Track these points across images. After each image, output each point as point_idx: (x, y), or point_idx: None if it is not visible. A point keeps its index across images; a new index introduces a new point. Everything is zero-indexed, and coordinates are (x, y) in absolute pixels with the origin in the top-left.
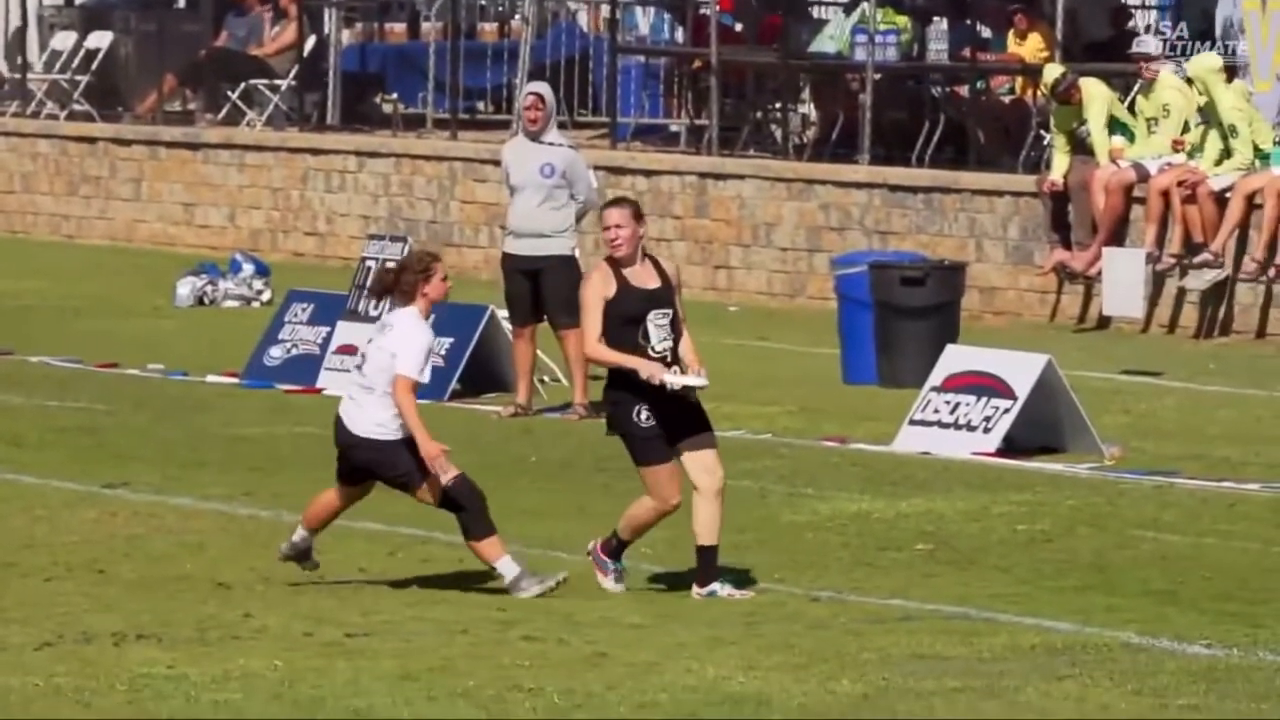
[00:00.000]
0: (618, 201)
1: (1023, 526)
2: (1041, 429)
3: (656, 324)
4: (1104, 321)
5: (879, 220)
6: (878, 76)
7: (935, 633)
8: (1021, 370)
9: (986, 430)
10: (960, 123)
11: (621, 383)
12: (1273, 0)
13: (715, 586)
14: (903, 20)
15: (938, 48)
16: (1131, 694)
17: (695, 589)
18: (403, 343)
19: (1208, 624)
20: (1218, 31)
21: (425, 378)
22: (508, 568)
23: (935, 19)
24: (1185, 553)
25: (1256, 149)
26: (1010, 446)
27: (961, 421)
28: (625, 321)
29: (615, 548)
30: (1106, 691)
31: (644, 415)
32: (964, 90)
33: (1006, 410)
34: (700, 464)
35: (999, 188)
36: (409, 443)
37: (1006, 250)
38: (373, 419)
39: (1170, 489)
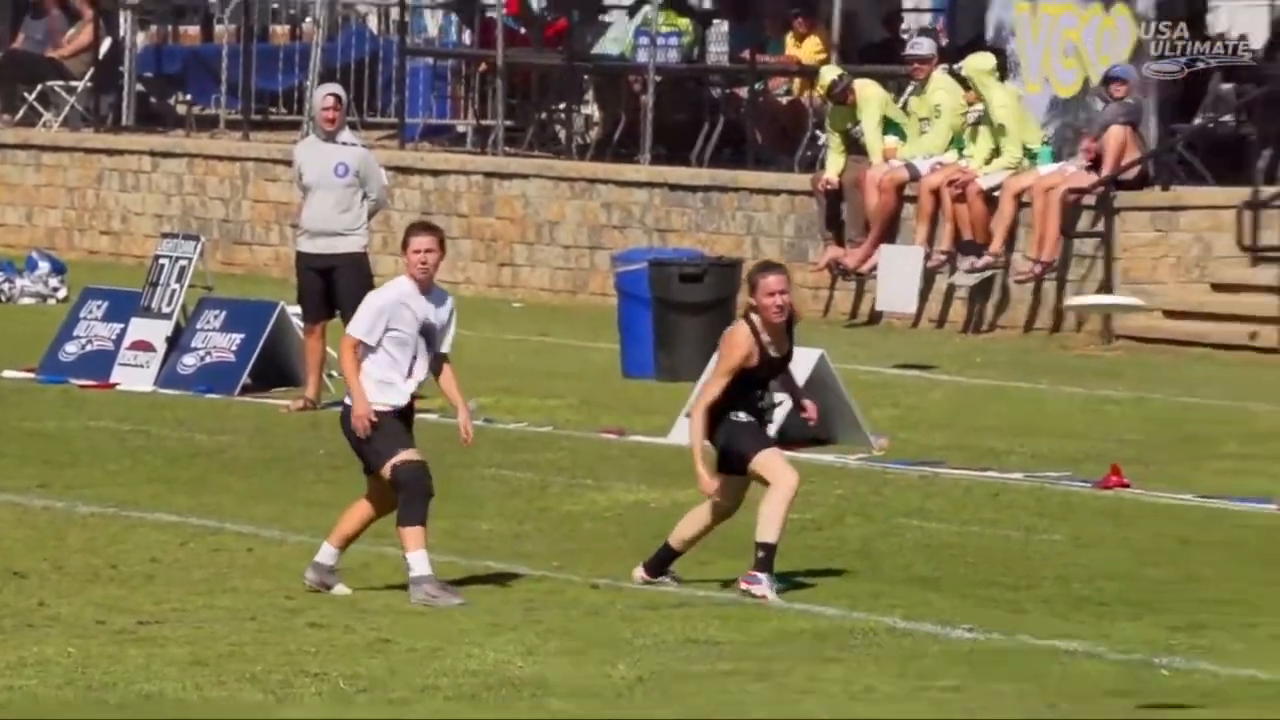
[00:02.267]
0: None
1: (793, 516)
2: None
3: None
4: (875, 316)
5: (659, 218)
6: (659, 78)
7: (709, 618)
8: (795, 365)
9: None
10: (739, 123)
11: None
12: (1043, 4)
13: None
14: (684, 23)
15: (718, 49)
16: (896, 676)
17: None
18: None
19: (970, 609)
20: (989, 34)
21: (371, 339)
22: (419, 564)
23: (716, 21)
24: (949, 540)
25: (1025, 149)
26: (783, 438)
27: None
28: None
29: (761, 561)
30: (872, 674)
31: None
32: (743, 91)
33: (779, 404)
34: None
35: (775, 186)
36: (384, 420)
37: (782, 247)
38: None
39: (936, 479)
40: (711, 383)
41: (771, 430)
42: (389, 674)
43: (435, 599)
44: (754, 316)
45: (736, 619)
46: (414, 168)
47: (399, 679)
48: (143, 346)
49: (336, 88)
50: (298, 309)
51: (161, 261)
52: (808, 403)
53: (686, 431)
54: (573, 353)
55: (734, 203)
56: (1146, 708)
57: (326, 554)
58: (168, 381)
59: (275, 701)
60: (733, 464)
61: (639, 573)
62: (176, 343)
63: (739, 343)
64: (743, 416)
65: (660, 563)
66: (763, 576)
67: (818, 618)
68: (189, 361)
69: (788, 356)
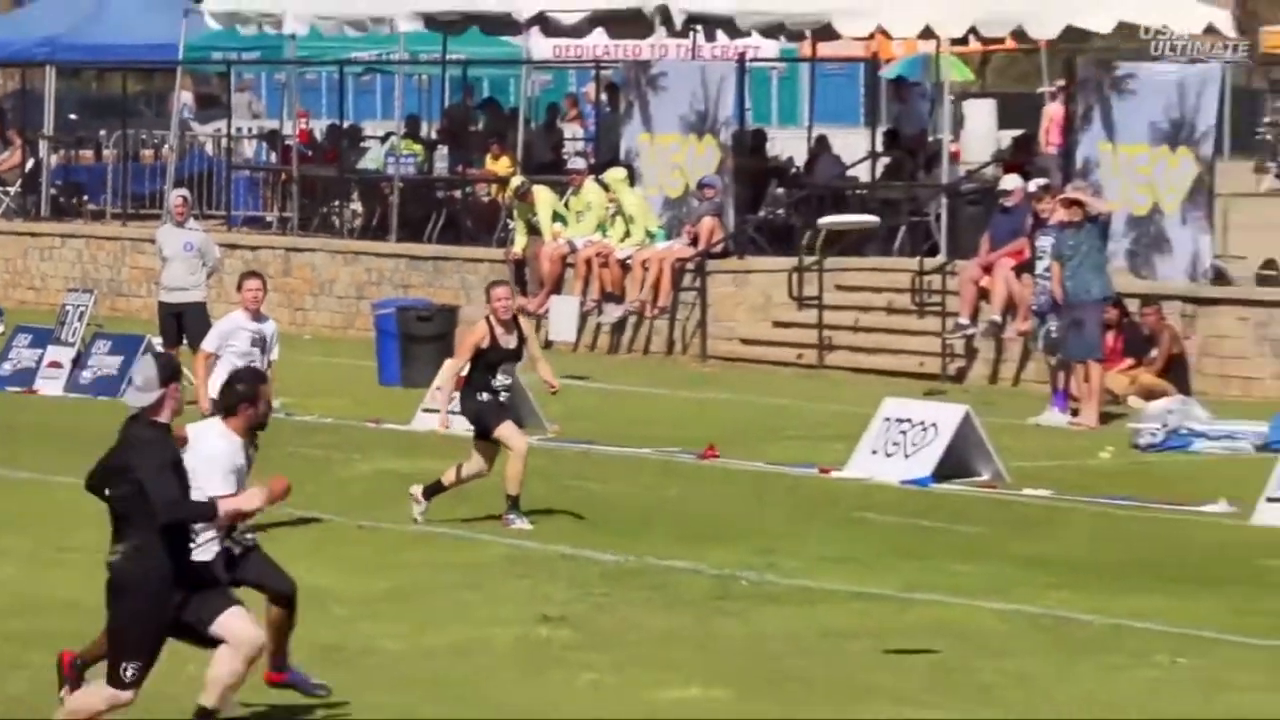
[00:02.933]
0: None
1: (486, 481)
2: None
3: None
4: (548, 344)
5: (403, 278)
6: (401, 184)
7: (447, 548)
8: None
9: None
10: (455, 214)
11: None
12: (658, 136)
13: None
14: (418, 147)
15: (441, 165)
16: (565, 588)
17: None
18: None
19: (616, 540)
20: (622, 155)
21: (217, 350)
22: None
23: (439, 146)
24: (600, 495)
25: (648, 231)
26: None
27: (453, 409)
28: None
29: (512, 503)
30: (548, 587)
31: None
32: (458, 194)
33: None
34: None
35: (480, 257)
36: None
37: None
38: None
39: (590, 454)
40: (454, 360)
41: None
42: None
43: None
44: (490, 316)
45: (464, 547)
46: (237, 244)
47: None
48: (55, 365)
49: (184, 191)
50: (159, 339)
51: (68, 308)
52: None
53: (435, 405)
54: (346, 369)
55: (453, 268)
56: (719, 600)
57: None
58: (72, 389)
59: None
60: (482, 433)
61: (416, 490)
62: (78, 362)
63: (478, 329)
64: (485, 397)
65: (431, 491)
66: (513, 515)
67: (515, 548)
68: (86, 375)
69: (518, 349)
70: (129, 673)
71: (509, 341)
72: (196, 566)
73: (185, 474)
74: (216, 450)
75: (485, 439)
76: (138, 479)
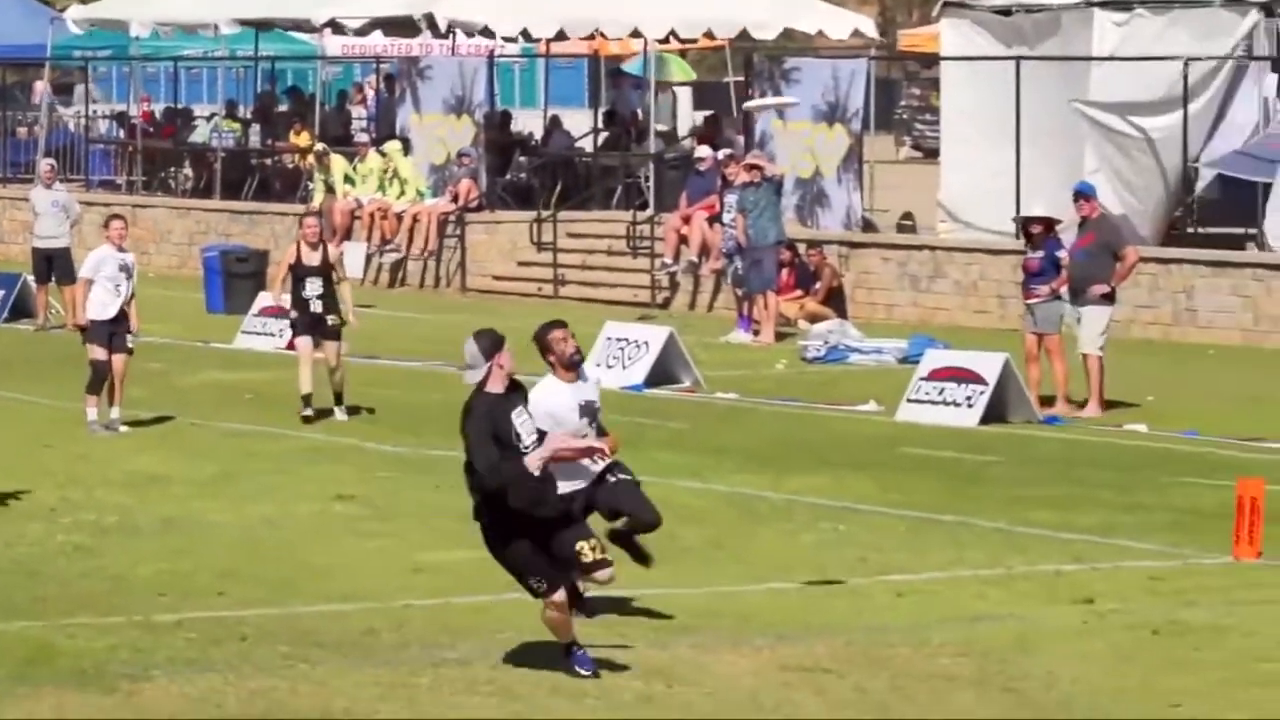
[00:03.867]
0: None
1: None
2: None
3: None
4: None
5: (225, 229)
6: (223, 154)
7: (259, 441)
8: None
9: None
10: (267, 178)
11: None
12: (426, 115)
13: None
14: (237, 125)
15: (254, 139)
16: (355, 472)
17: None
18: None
19: (396, 434)
20: (398, 130)
21: (93, 276)
22: (90, 415)
23: (253, 125)
24: (384, 399)
25: (419, 191)
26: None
27: (273, 330)
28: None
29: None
30: (343, 472)
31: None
32: (268, 161)
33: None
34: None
35: (286, 211)
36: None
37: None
38: None
39: (375, 366)
40: (275, 269)
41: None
42: None
43: (94, 432)
44: (300, 240)
45: (277, 439)
46: (94, 202)
47: None
48: None
49: (52, 160)
50: (33, 277)
51: None
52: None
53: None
54: (180, 301)
55: (264, 220)
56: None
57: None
58: None
59: None
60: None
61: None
62: None
63: (289, 250)
64: (295, 314)
65: (306, 401)
66: (339, 408)
67: (313, 440)
68: None
69: (320, 265)
70: (537, 585)
71: (312, 259)
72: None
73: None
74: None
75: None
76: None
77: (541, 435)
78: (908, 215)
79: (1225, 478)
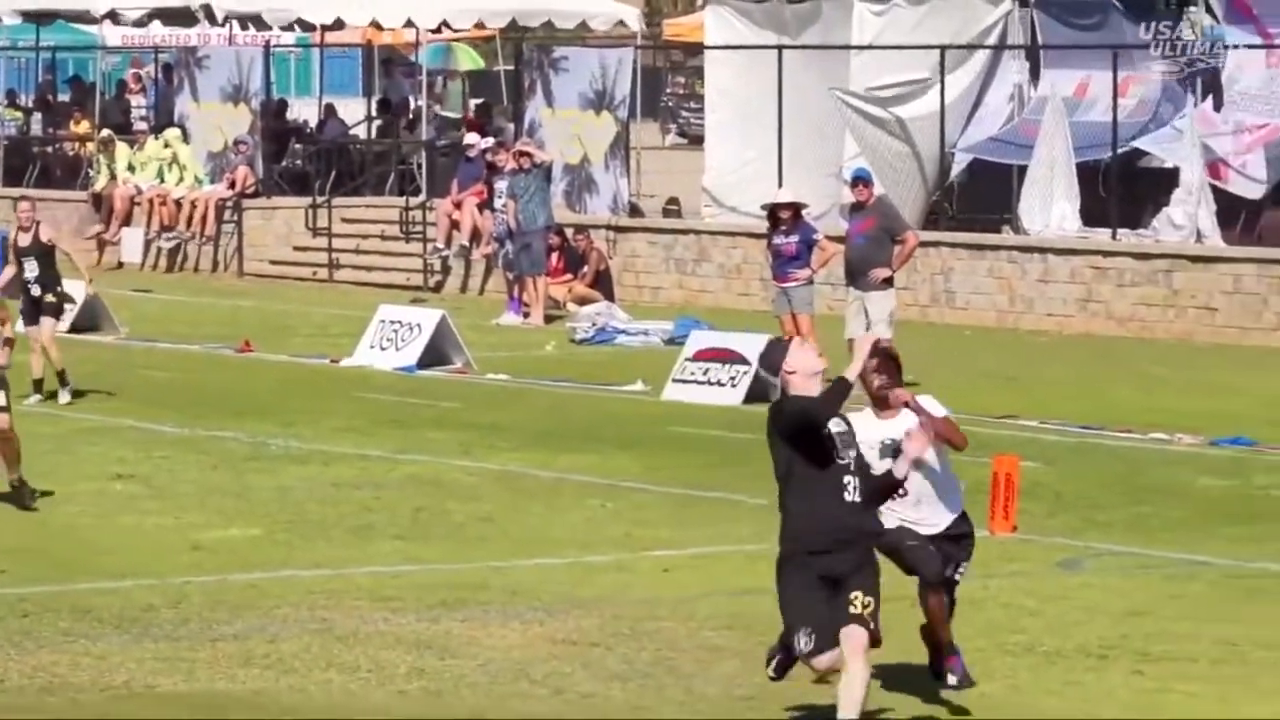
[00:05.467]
0: None
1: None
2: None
3: None
4: (120, 265)
5: (7, 214)
6: (5, 142)
7: (39, 422)
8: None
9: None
10: (47, 165)
11: None
12: (204, 104)
13: None
14: (18, 114)
15: (36, 127)
16: (134, 452)
17: None
18: None
19: (173, 415)
20: (176, 118)
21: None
22: None
23: (35, 113)
24: (161, 381)
25: (196, 178)
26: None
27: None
28: None
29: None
30: (122, 451)
31: None
32: (50, 149)
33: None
34: None
35: (67, 198)
36: None
37: (72, 227)
38: None
39: (153, 349)
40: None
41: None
42: None
43: None
44: (16, 224)
45: (56, 421)
46: None
47: None
48: None
49: None
50: None
51: None
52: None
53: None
54: None
55: (47, 208)
56: (254, 460)
57: None
58: None
59: None
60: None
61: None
62: None
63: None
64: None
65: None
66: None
67: (92, 421)
68: None
69: (31, 245)
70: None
71: (24, 241)
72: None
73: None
74: None
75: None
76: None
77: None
78: (673, 200)
79: (981, 455)
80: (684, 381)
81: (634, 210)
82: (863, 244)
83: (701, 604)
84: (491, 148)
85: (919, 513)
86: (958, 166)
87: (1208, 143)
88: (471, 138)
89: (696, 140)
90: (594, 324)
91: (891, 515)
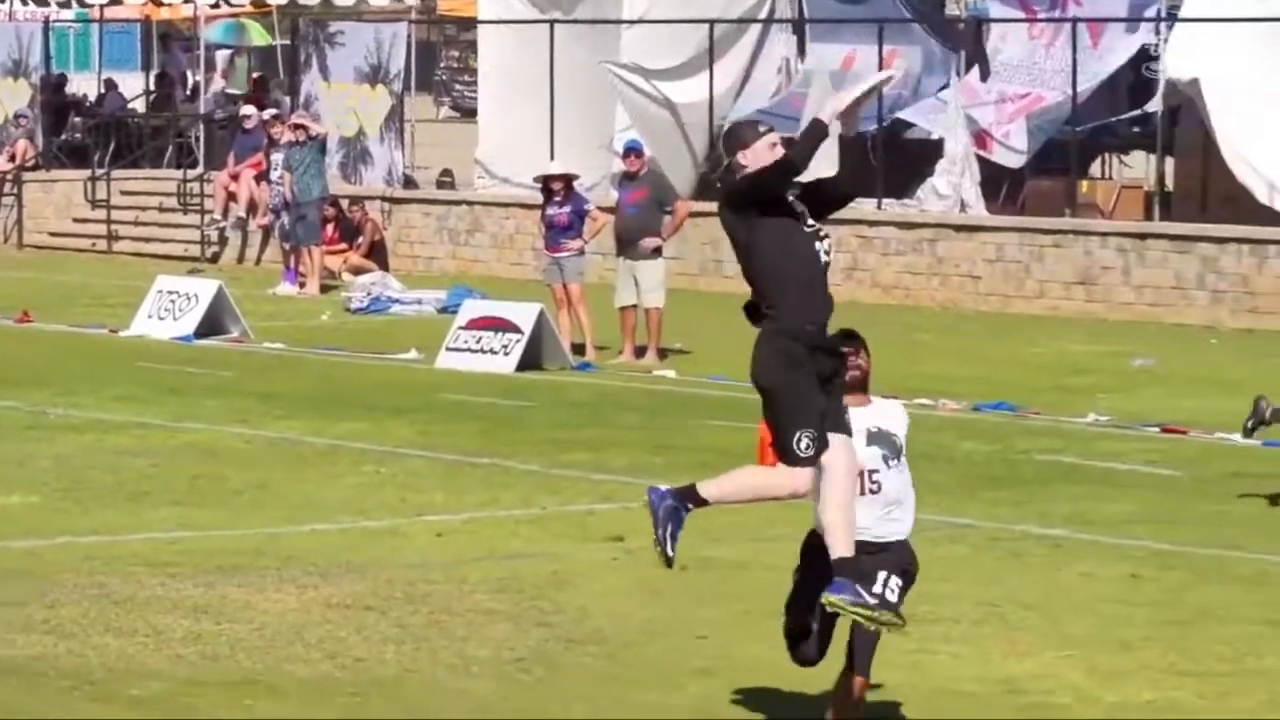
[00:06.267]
0: None
1: None
2: None
3: None
4: None
5: None
6: None
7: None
8: None
9: None
10: None
11: None
12: None
13: None
14: None
15: None
16: None
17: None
18: None
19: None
20: None
21: None
22: None
23: None
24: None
25: None
26: None
27: None
28: None
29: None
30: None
31: None
32: None
33: None
34: None
35: None
36: None
37: None
38: None
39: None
40: None
41: None
42: None
43: None
44: None
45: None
46: None
47: None
48: None
49: None
50: None
51: None
52: None
53: None
54: None
55: None
56: (33, 429)
57: None
58: None
59: None
60: None
61: None
62: None
63: None
64: None
65: None
66: None
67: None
68: None
69: None
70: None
71: None
72: None
73: None
74: None
75: None
76: None
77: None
78: (446, 172)
79: (749, 420)
80: (457, 350)
81: (408, 182)
82: (634, 214)
83: (474, 568)
84: (268, 120)
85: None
86: None
87: (971, 114)
88: (248, 110)
89: (470, 113)
90: (369, 293)
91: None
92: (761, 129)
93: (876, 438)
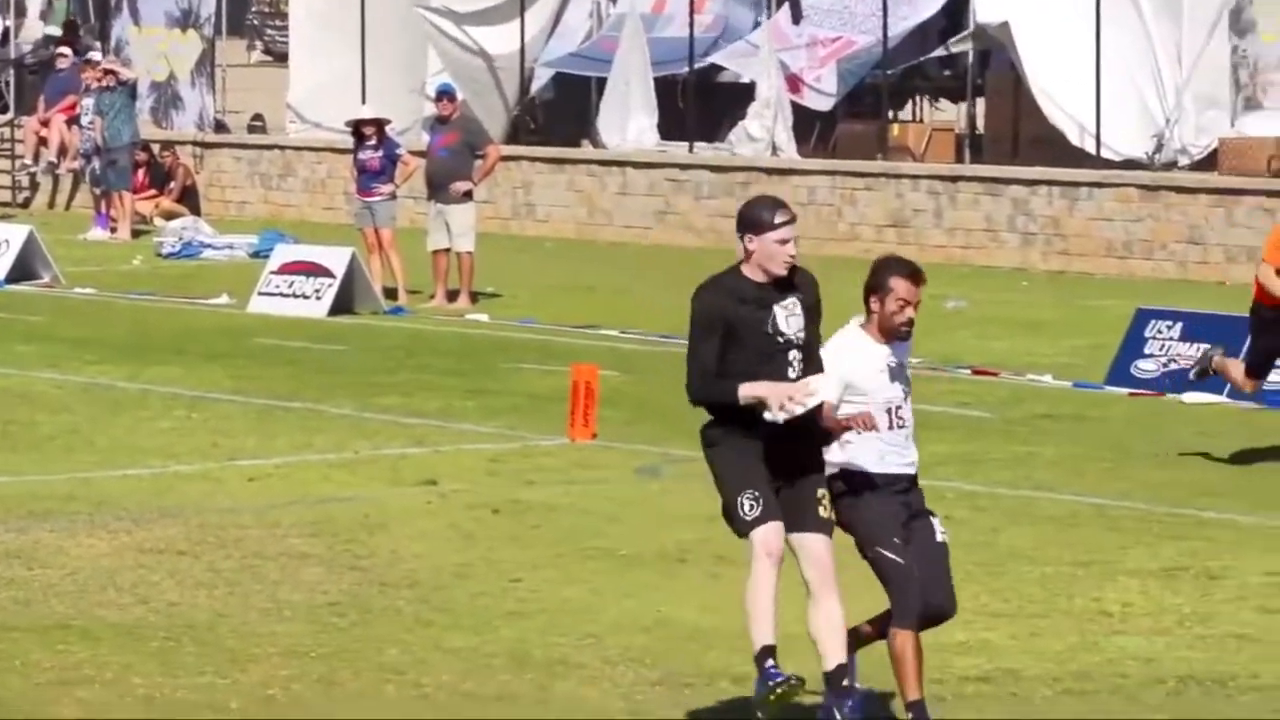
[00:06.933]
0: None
1: None
2: None
3: None
4: None
5: None
6: None
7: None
8: None
9: None
10: None
11: None
12: None
13: None
14: None
15: None
16: None
17: None
18: None
19: None
20: None
21: None
22: None
23: None
24: None
25: None
26: None
27: None
28: None
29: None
30: None
31: None
32: None
33: None
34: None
35: None
36: None
37: None
38: None
39: None
40: None
41: None
42: None
43: None
44: None
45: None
46: None
47: None
48: None
49: None
50: None
51: None
52: None
53: None
54: None
55: None
56: None
57: None
58: None
59: None
60: None
61: None
62: None
63: None
64: None
65: None
66: None
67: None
68: None
69: None
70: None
71: None
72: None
73: None
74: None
75: None
76: None
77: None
78: (258, 117)
79: (561, 364)
80: (269, 294)
81: (220, 126)
82: (445, 157)
83: (286, 512)
84: (79, 64)
85: (909, 452)
86: (539, 82)
87: (782, 58)
88: (61, 54)
89: (281, 58)
90: (180, 238)
91: (879, 450)
92: (779, 219)
93: (896, 373)
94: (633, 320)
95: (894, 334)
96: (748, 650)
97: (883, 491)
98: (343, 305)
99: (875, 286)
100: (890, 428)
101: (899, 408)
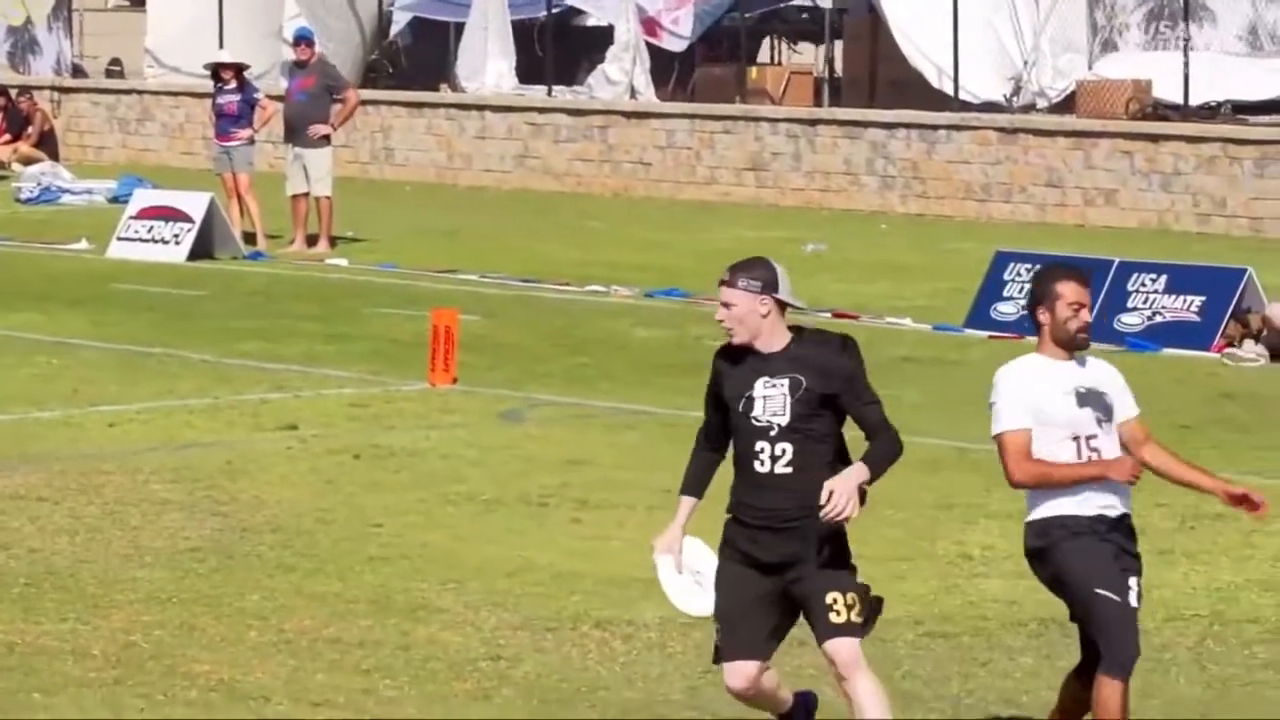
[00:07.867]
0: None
1: None
2: None
3: None
4: None
5: None
6: None
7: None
8: None
9: None
10: None
11: None
12: None
13: None
14: None
15: None
16: None
17: None
18: None
19: None
20: None
21: None
22: None
23: None
24: None
25: None
26: None
27: None
28: None
29: None
30: None
31: None
32: None
33: None
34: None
35: None
36: None
37: None
38: None
39: None
40: None
41: None
42: None
43: None
44: None
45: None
46: None
47: None
48: None
49: None
50: None
51: None
52: None
53: None
54: None
55: None
56: None
57: None
58: None
59: None
60: None
61: None
62: None
63: None
64: None
65: None
66: None
67: None
68: None
69: None
70: None
71: None
72: None
73: None
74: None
75: None
76: None
77: None
78: (116, 61)
79: (421, 308)
80: (128, 239)
81: (77, 71)
82: (303, 101)
83: (147, 458)
84: None
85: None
86: (397, 25)
87: (639, 1)
88: None
89: (139, 2)
90: (39, 184)
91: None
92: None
93: (1087, 398)
94: (493, 264)
95: (1072, 344)
96: (610, 594)
97: (1089, 537)
98: (202, 250)
99: (1041, 296)
100: (1079, 456)
101: (1090, 437)
